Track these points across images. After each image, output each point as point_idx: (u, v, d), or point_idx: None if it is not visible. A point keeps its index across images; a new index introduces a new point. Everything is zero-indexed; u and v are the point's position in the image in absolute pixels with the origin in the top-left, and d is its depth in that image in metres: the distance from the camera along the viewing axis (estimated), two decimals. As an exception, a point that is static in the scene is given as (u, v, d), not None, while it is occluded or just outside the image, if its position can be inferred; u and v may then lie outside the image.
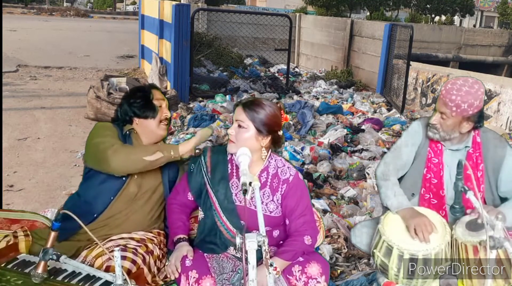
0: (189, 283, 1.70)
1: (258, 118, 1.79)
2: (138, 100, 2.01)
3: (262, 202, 1.83)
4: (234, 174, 1.87)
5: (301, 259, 1.78)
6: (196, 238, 1.94)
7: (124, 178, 1.94)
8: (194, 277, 1.71)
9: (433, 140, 2.04)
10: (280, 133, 1.87)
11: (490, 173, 1.99)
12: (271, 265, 1.62)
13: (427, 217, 1.87)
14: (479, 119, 1.93)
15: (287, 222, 1.86)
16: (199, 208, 1.95)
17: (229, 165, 1.88)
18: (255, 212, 1.79)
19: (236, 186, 1.85)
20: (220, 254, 1.86)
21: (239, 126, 1.80)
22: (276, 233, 1.89)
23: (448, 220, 1.94)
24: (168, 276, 1.80)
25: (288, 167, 1.89)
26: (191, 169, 1.92)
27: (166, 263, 2.00)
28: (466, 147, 2.01)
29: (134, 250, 1.80)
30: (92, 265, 1.70)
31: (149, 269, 1.82)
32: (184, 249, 1.81)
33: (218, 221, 1.85)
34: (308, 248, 1.82)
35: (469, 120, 1.91)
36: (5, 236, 1.87)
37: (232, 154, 1.86)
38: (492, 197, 2.01)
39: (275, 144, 1.88)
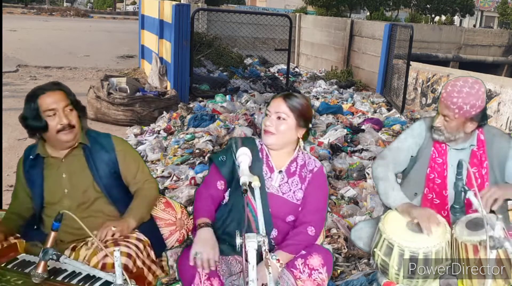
0: (201, 281, 1.71)
1: (298, 110, 1.85)
2: (27, 120, 1.84)
3: (290, 190, 1.89)
4: (264, 162, 1.91)
5: (303, 252, 1.82)
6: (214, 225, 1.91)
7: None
8: (205, 276, 1.72)
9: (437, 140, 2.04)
10: (310, 125, 1.94)
11: (495, 169, 2.00)
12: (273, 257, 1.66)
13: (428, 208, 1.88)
14: (482, 118, 1.93)
15: (300, 209, 1.90)
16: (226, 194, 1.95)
17: (260, 154, 1.92)
18: (282, 199, 1.86)
19: (266, 174, 1.89)
20: (229, 257, 1.85)
21: (279, 118, 1.84)
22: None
23: (451, 220, 1.94)
24: (192, 263, 1.73)
25: (314, 160, 1.97)
26: (221, 159, 1.92)
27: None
28: (471, 145, 2.01)
29: (126, 244, 1.79)
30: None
31: (143, 262, 1.82)
32: (212, 243, 1.73)
33: (249, 210, 1.84)
34: (311, 239, 1.86)
35: (473, 120, 1.91)
36: (5, 236, 1.87)
37: (262, 144, 1.92)
38: None
39: (305, 137, 1.94)
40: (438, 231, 1.79)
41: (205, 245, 1.71)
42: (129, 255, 1.75)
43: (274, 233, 1.85)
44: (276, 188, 1.88)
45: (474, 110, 1.87)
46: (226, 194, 1.95)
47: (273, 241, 1.85)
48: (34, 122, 1.84)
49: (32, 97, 1.86)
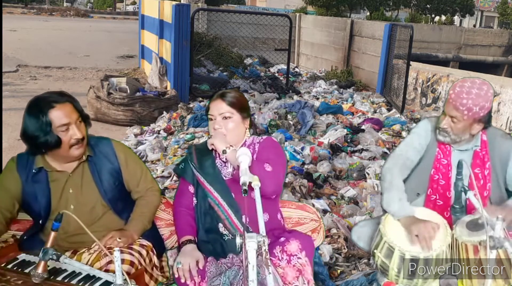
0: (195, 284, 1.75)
1: (238, 104, 1.93)
2: (39, 138, 1.71)
3: None
4: (218, 156, 1.97)
5: (282, 239, 1.81)
6: (198, 231, 1.97)
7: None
8: (197, 282, 1.76)
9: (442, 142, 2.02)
10: (251, 113, 2.04)
11: (498, 170, 1.99)
12: None
13: (430, 221, 1.85)
14: (488, 119, 1.93)
15: None
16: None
17: (213, 152, 1.97)
18: (238, 179, 1.77)
19: (221, 164, 1.97)
20: (218, 261, 1.86)
21: (224, 117, 1.90)
22: (265, 216, 1.92)
23: (453, 221, 1.93)
24: (177, 276, 1.80)
25: (261, 137, 2.03)
26: (181, 168, 2.03)
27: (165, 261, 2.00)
28: (474, 146, 2.01)
29: (130, 251, 1.79)
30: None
31: (146, 270, 1.82)
32: (195, 254, 1.83)
33: (212, 201, 1.91)
34: (267, 174, 1.80)
35: (480, 122, 1.90)
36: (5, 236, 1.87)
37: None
38: (500, 194, 2.01)
39: (250, 125, 2.02)
40: (439, 236, 1.79)
41: (186, 257, 1.80)
42: (132, 263, 1.74)
43: (246, 219, 1.86)
44: (231, 172, 1.92)
45: (483, 111, 1.86)
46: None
47: (250, 228, 1.83)
48: (47, 138, 1.71)
49: (40, 111, 1.72)
